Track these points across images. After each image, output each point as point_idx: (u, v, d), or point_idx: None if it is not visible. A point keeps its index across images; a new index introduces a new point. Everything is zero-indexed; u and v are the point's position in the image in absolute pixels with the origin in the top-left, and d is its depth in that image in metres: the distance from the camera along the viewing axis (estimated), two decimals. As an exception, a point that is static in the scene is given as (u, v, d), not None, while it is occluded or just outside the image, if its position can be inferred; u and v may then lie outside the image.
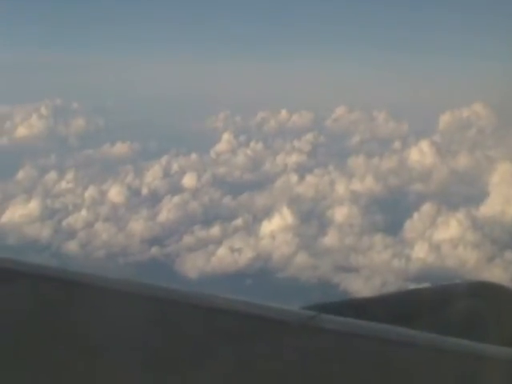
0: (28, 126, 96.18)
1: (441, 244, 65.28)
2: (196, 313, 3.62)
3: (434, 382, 3.05)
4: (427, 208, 70.35)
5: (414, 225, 68.81)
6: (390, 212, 71.16)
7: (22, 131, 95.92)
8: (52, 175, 79.12)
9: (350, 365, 3.14)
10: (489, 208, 69.71)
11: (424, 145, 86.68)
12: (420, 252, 64.65)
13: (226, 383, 3.01)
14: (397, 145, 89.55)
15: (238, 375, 3.06)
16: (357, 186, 77.21)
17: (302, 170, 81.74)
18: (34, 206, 71.25)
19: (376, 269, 61.12)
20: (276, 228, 67.82)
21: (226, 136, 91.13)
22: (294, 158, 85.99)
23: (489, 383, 3.04)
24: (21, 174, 79.62)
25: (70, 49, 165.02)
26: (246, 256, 63.99)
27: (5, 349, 3.27)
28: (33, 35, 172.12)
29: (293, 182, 79.46)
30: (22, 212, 70.39)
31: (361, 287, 56.09)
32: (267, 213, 70.67)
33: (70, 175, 78.90)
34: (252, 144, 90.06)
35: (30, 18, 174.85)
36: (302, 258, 63.58)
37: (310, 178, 79.72)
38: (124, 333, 3.39)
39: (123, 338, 3.34)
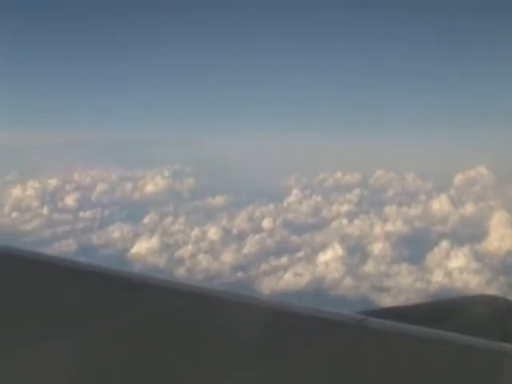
0: (154, 184, 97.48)
1: (452, 271, 63.80)
2: (268, 315, 3.43)
3: (462, 373, 2.86)
4: (444, 244, 68.80)
5: (433, 256, 67.25)
6: (414, 247, 69.79)
7: (149, 188, 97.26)
8: (169, 219, 79.81)
9: (393, 359, 2.98)
10: (488, 244, 68.56)
11: (443, 197, 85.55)
12: (438, 277, 63.28)
13: (296, 374, 2.80)
14: (422, 197, 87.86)
15: (305, 367, 2.88)
16: (390, 227, 76.27)
17: (351, 216, 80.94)
18: (154, 241, 71.78)
19: (402, 289, 59.82)
20: (329, 258, 67.13)
21: (295, 191, 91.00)
22: (345, 207, 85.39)
23: (505, 373, 2.85)
24: (147, 219, 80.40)
25: (188, 129, 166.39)
26: (306, 279, 63.44)
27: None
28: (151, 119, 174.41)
29: (343, 225, 78.89)
30: (146, 246, 70.95)
31: (390, 302, 54.10)
32: (323, 247, 69.99)
33: (181, 219, 79.74)
34: (314, 197, 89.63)
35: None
36: (348, 281, 62.81)
37: (356, 222, 79.01)
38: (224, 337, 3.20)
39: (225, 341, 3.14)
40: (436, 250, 67.67)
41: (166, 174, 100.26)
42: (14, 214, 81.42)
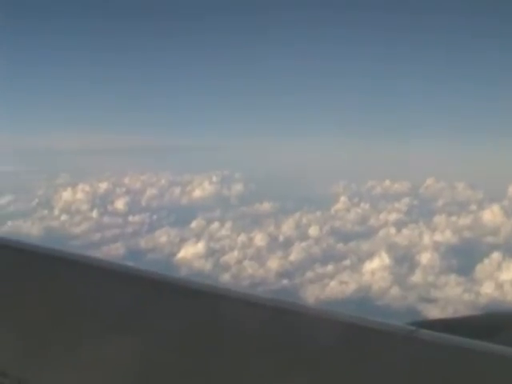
0: (202, 189, 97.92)
1: (503, 283, 62.39)
2: (316, 324, 3.28)
3: None
4: (495, 255, 67.21)
5: (484, 268, 65.82)
6: (463, 258, 68.36)
7: (197, 193, 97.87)
8: (215, 225, 79.96)
9: (445, 372, 2.84)
10: (541, 256, 66.71)
11: (495, 208, 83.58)
12: (487, 289, 61.93)
13: None
14: (472, 207, 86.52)
15: (355, 378, 2.83)
16: (438, 237, 75.09)
17: (399, 225, 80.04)
18: (200, 246, 72.18)
19: (450, 300, 58.78)
20: (376, 267, 66.38)
21: (342, 198, 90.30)
22: (393, 216, 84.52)
23: None
24: (194, 224, 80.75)
25: (241, 135, 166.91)
26: (352, 288, 62.96)
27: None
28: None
29: (391, 234, 78.12)
30: (192, 251, 71.28)
31: (437, 314, 53.79)
32: (369, 256, 69.18)
33: (228, 225, 79.78)
34: (361, 205, 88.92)
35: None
36: (394, 291, 61.94)
37: (404, 231, 78.13)
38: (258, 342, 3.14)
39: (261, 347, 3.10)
40: (486, 261, 66.20)
41: (214, 179, 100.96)
42: (64, 217, 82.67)
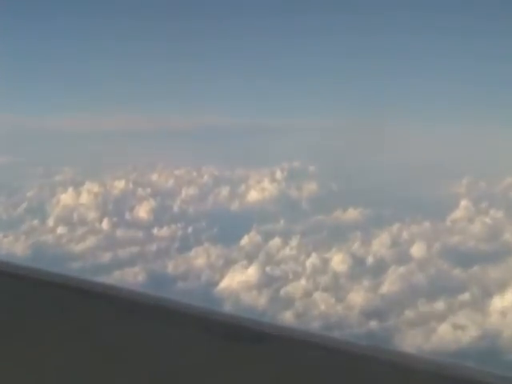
0: (260, 189, 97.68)
1: None
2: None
3: None
4: None
5: None
6: None
7: (253, 195, 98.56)
8: (276, 241, 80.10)
9: None
10: None
11: None
12: None
13: None
14: None
15: None
16: None
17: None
18: (252, 272, 72.21)
19: None
20: (509, 304, 64.83)
21: (464, 202, 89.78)
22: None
23: None
24: (245, 240, 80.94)
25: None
26: (471, 334, 61.17)
27: None
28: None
29: (533, 255, 75.53)
30: (240, 278, 71.31)
31: None
32: (500, 287, 68.04)
33: (294, 241, 79.75)
34: (492, 211, 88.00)
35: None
36: (534, 340, 61.17)
37: (553, 251, 75.90)
38: None
39: None
40: None
41: (279, 174, 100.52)
42: (61, 230, 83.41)
